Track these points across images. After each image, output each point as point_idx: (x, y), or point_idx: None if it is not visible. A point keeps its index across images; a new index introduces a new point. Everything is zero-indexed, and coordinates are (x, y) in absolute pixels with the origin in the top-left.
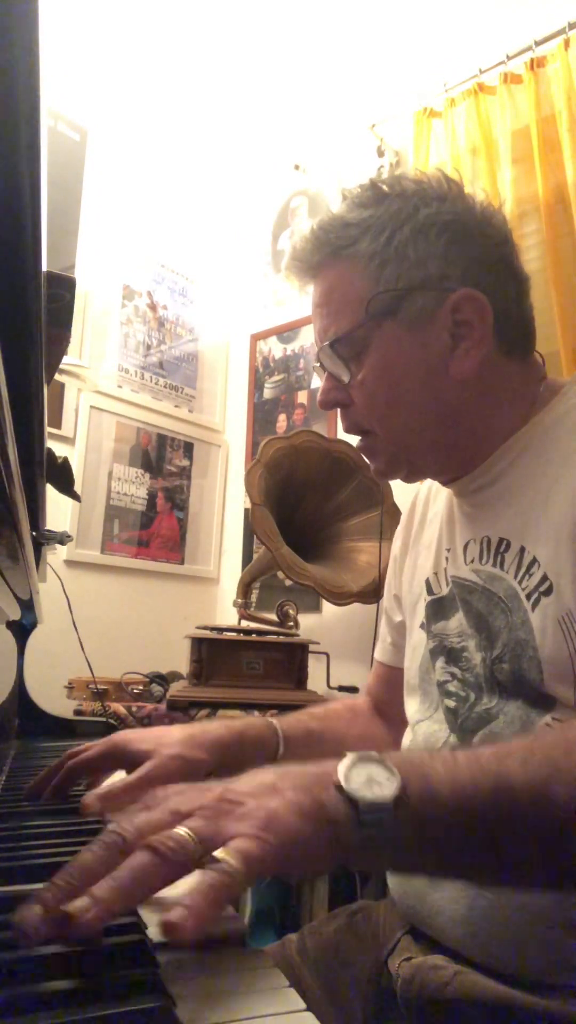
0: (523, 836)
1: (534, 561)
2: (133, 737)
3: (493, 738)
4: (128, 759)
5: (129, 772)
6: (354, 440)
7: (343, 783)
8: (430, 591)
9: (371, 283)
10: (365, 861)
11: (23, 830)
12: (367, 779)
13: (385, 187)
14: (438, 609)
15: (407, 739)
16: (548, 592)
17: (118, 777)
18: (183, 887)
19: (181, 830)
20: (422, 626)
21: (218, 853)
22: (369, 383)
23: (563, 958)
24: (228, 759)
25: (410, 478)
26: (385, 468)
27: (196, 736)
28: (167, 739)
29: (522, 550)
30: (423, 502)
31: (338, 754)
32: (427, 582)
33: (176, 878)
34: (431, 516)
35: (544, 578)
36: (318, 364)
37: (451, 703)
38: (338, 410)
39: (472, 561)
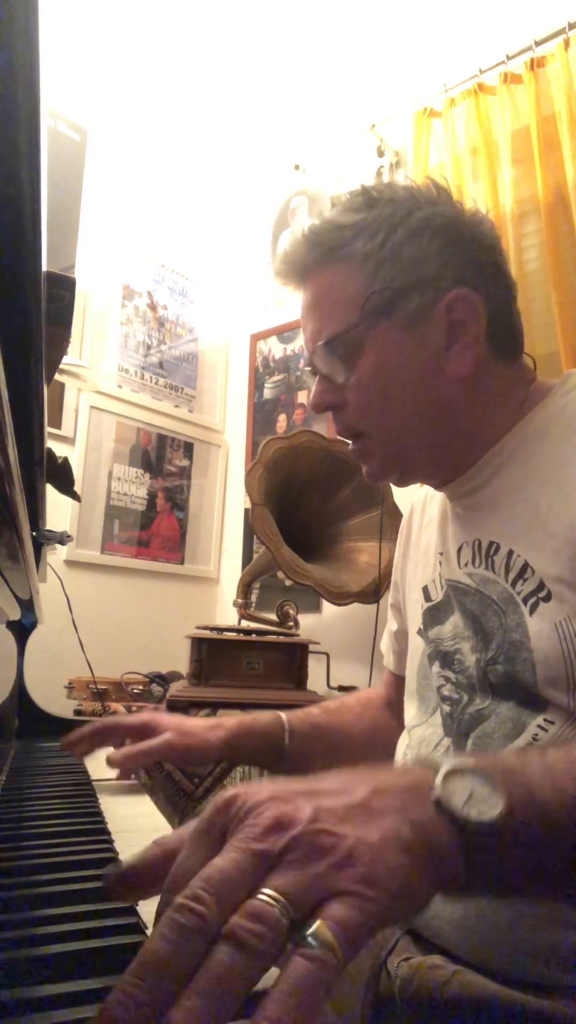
0: None
1: (526, 566)
2: (164, 719)
3: (485, 739)
4: (156, 733)
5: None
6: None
7: (444, 799)
8: (427, 597)
9: (366, 284)
10: (470, 888)
11: (23, 830)
12: (469, 794)
13: (375, 193)
14: (434, 614)
15: (403, 743)
16: (547, 598)
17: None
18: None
19: (267, 895)
20: (419, 632)
21: (312, 928)
22: (364, 382)
23: (562, 958)
24: (235, 750)
25: (403, 481)
26: (378, 470)
27: (212, 726)
28: (188, 724)
29: (510, 553)
30: (419, 509)
31: (345, 748)
32: (424, 589)
33: (268, 967)
34: (426, 522)
35: (541, 585)
36: (308, 368)
37: (447, 707)
38: (330, 414)
39: (465, 564)
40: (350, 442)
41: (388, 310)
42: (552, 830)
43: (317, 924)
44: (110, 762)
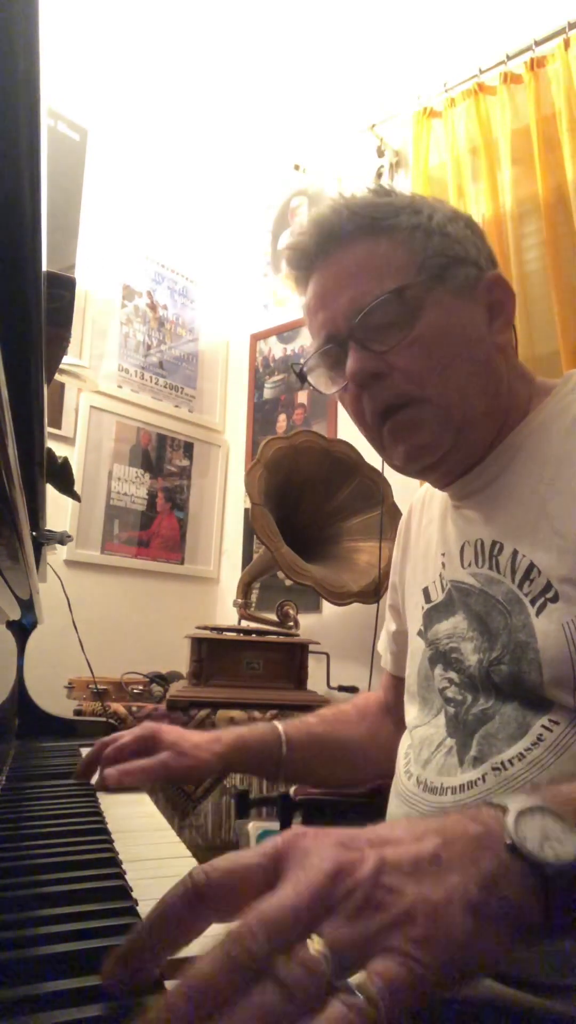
0: None
1: (532, 567)
2: (163, 732)
3: (489, 739)
4: (156, 747)
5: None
6: (354, 439)
7: (519, 842)
8: (428, 599)
9: (415, 253)
10: (549, 936)
11: (23, 830)
12: (543, 836)
13: (389, 187)
14: (435, 615)
15: (404, 743)
16: (555, 599)
17: None
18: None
19: (317, 947)
20: (420, 634)
21: (357, 979)
22: (426, 341)
23: (564, 958)
24: (234, 763)
25: (432, 466)
26: (431, 440)
27: (209, 742)
28: (186, 741)
29: (515, 553)
30: (418, 511)
31: (343, 757)
32: (425, 590)
33: (305, 1017)
34: (425, 523)
35: (548, 585)
36: (327, 348)
37: (451, 709)
38: (340, 404)
39: (469, 564)
40: (385, 420)
41: (442, 276)
42: None
43: (363, 976)
44: (106, 781)
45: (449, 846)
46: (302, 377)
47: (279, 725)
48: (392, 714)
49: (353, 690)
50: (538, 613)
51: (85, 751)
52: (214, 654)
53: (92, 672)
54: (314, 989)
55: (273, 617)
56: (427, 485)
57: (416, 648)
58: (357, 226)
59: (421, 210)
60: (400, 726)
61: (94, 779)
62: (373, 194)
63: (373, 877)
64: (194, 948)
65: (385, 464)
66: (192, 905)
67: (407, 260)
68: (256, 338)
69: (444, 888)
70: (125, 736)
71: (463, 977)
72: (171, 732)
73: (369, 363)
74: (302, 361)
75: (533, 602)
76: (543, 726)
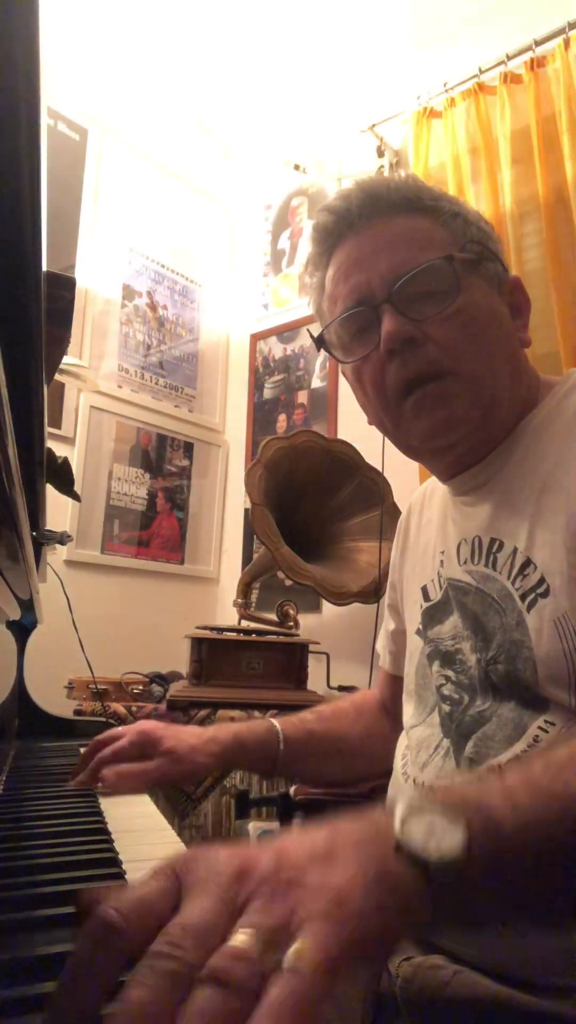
0: None
1: (528, 562)
2: (161, 734)
3: (486, 741)
4: (153, 751)
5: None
6: (354, 439)
7: (404, 841)
8: (426, 597)
9: (455, 235)
10: (437, 924)
11: (23, 830)
12: (428, 831)
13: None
14: (434, 614)
15: (402, 744)
16: (545, 594)
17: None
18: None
19: (242, 937)
20: (418, 632)
21: (289, 956)
22: (464, 316)
23: (563, 959)
24: (230, 764)
25: (465, 439)
26: (461, 414)
27: (206, 742)
28: (183, 741)
29: (515, 551)
30: (417, 510)
31: (340, 754)
32: (423, 589)
33: (252, 1004)
34: (424, 522)
35: (541, 580)
36: (355, 310)
37: (447, 707)
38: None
39: (465, 562)
40: (416, 390)
41: (477, 264)
42: (516, 849)
43: (292, 948)
44: (103, 783)
45: (341, 844)
46: (319, 342)
47: (276, 722)
48: (389, 712)
49: (353, 690)
50: (528, 609)
51: (85, 751)
52: (214, 654)
53: (92, 672)
54: (251, 977)
55: (273, 617)
56: (425, 485)
57: (414, 647)
58: (403, 198)
59: (458, 201)
60: (397, 724)
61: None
62: (411, 179)
63: (274, 870)
64: None
65: (385, 464)
66: (108, 945)
67: (450, 239)
68: (256, 338)
69: (341, 874)
70: (122, 739)
71: (375, 950)
72: (167, 734)
73: (406, 328)
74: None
75: (523, 598)
76: (539, 727)
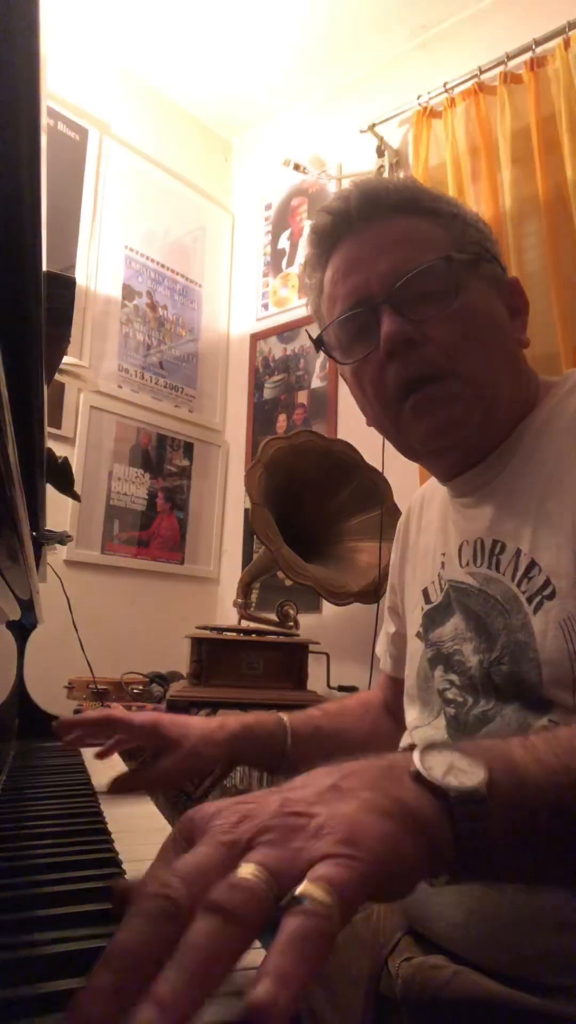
0: None
1: (533, 564)
2: (167, 723)
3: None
4: (161, 741)
5: (154, 754)
6: (354, 439)
7: (424, 772)
8: (427, 600)
9: (454, 237)
10: (461, 867)
11: (23, 830)
12: (448, 767)
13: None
14: (435, 617)
15: (404, 742)
16: (552, 596)
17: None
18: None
19: (246, 869)
20: (419, 635)
21: (300, 889)
22: (464, 318)
23: (563, 959)
24: (238, 754)
25: (466, 439)
26: (461, 415)
27: (213, 731)
28: (189, 733)
29: (518, 552)
30: (417, 512)
31: (347, 751)
32: (424, 591)
33: (253, 939)
34: (424, 524)
35: (547, 582)
36: (354, 312)
37: (451, 711)
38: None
39: (467, 564)
40: (415, 391)
41: (476, 265)
42: (540, 796)
43: (305, 884)
44: (112, 788)
45: (350, 776)
46: (318, 343)
47: (284, 717)
48: (391, 712)
49: (353, 690)
50: (535, 611)
51: (85, 751)
52: (214, 654)
53: (92, 672)
54: (253, 905)
55: (273, 617)
56: (424, 487)
57: (415, 650)
58: (401, 199)
59: (455, 202)
60: (399, 724)
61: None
62: (410, 180)
63: (280, 810)
64: None
65: (385, 464)
66: (169, 923)
67: (449, 240)
68: (256, 338)
69: (355, 802)
70: (133, 717)
71: (396, 882)
72: (174, 723)
73: (406, 328)
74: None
75: (530, 600)
76: (543, 726)
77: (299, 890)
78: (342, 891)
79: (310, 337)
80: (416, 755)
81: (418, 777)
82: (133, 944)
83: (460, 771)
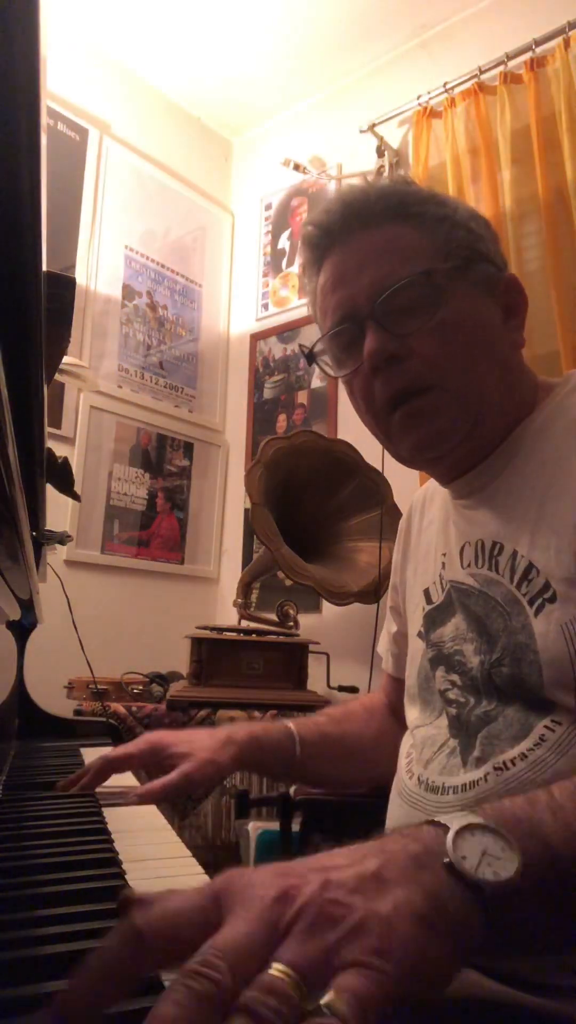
0: None
1: (531, 567)
2: (170, 740)
3: (492, 740)
4: (165, 761)
5: (159, 774)
6: (354, 439)
7: (458, 864)
8: (429, 600)
9: (441, 242)
10: (494, 951)
11: (23, 830)
12: (482, 855)
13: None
14: (436, 617)
15: (406, 743)
16: (552, 599)
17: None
18: None
19: (279, 969)
20: (420, 635)
21: (326, 999)
22: (449, 327)
23: (563, 959)
24: (247, 763)
25: (454, 450)
26: (448, 427)
27: (223, 743)
28: (199, 744)
29: (515, 554)
30: (418, 512)
31: (354, 756)
32: (426, 591)
33: None
34: (426, 524)
35: (547, 585)
36: (341, 327)
37: (453, 711)
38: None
39: (468, 565)
40: (402, 405)
41: (465, 269)
42: (567, 873)
43: (331, 995)
44: (133, 800)
45: (389, 865)
46: (310, 358)
47: (291, 725)
48: (396, 714)
49: (353, 690)
50: (536, 614)
51: (85, 751)
52: (214, 654)
53: (92, 672)
54: (285, 1013)
55: (273, 617)
56: (426, 486)
57: (416, 650)
58: (386, 207)
59: (446, 203)
60: (404, 726)
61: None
62: (399, 183)
63: (319, 895)
64: None
65: (385, 464)
66: (131, 954)
67: (433, 248)
68: (256, 338)
69: (391, 901)
70: (131, 750)
71: (424, 988)
72: (179, 740)
73: (389, 344)
74: (311, 344)
75: (531, 603)
76: (545, 727)
77: (324, 1000)
78: (364, 1006)
79: (303, 351)
80: (449, 841)
81: (451, 868)
82: (179, 1020)
83: (494, 858)
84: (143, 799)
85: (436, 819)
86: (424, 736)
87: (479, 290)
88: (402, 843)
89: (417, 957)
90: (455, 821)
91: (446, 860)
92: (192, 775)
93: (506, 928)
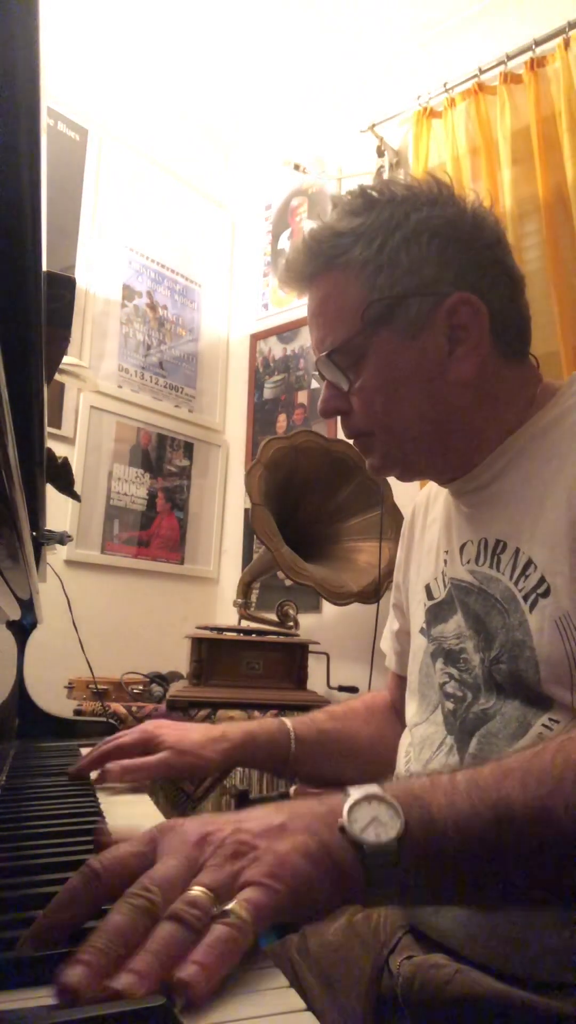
0: (527, 859)
1: (530, 563)
2: (164, 731)
3: (490, 738)
4: (154, 750)
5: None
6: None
7: (347, 826)
8: (430, 596)
9: (365, 291)
10: (373, 899)
11: (23, 830)
12: (371, 820)
13: (375, 193)
14: (437, 613)
15: (405, 741)
16: (546, 594)
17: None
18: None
19: (198, 890)
20: (422, 631)
21: (229, 905)
22: (368, 390)
23: (564, 957)
24: (241, 760)
25: (404, 477)
26: (380, 464)
27: (214, 739)
28: (188, 737)
29: (517, 552)
30: (422, 509)
31: (352, 753)
32: (427, 587)
33: (200, 939)
34: (429, 521)
35: (541, 580)
36: (316, 373)
37: (450, 705)
38: (338, 418)
39: (468, 562)
40: (353, 440)
41: (388, 318)
42: (448, 845)
43: (233, 903)
44: (108, 776)
45: (295, 819)
46: (322, 375)
47: (288, 722)
48: (399, 713)
49: (353, 690)
50: (531, 609)
51: (85, 751)
52: (214, 654)
53: (92, 672)
54: (201, 917)
55: (273, 617)
56: (430, 485)
57: (418, 645)
58: (316, 267)
59: (376, 236)
60: (405, 724)
61: (94, 774)
62: (346, 214)
63: (231, 837)
64: None
65: None
66: (90, 887)
67: (359, 299)
68: (256, 338)
69: (289, 843)
70: (125, 736)
71: (307, 911)
72: (172, 731)
73: (332, 402)
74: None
75: (526, 598)
76: (544, 725)
77: (228, 906)
78: (258, 910)
79: (316, 369)
80: (346, 806)
81: (342, 829)
82: (123, 925)
83: (380, 824)
84: (111, 774)
85: (349, 789)
86: (423, 735)
87: (406, 334)
88: (311, 804)
89: (302, 884)
90: (358, 791)
91: (340, 823)
92: (172, 762)
93: (387, 881)
